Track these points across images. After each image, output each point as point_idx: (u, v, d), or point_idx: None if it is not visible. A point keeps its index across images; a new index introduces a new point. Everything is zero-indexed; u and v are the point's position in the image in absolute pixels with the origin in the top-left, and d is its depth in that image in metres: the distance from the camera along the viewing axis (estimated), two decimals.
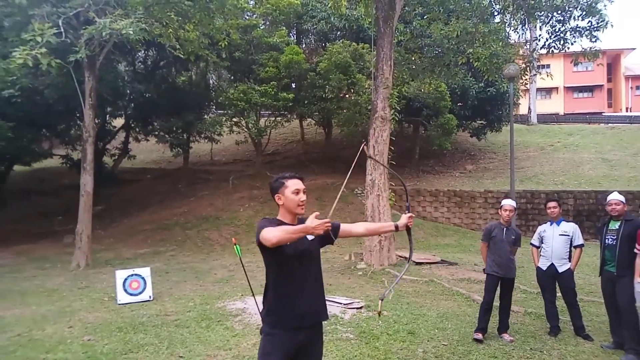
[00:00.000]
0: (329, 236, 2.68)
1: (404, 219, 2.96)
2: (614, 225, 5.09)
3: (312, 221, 2.32)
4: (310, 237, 2.62)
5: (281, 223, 2.63)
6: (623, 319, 4.85)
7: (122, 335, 5.61)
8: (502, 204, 5.59)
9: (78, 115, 17.25)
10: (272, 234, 2.43)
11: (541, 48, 11.49)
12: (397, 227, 2.94)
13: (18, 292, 8.38)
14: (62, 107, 15.74)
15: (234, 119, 18.47)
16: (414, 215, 3.01)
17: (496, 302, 5.51)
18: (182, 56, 12.37)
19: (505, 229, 5.47)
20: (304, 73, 17.52)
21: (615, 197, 5.12)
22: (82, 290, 8.44)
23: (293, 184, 2.65)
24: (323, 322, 2.81)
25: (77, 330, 5.89)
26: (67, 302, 7.48)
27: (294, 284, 2.61)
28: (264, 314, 2.67)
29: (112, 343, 5.32)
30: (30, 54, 8.56)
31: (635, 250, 4.71)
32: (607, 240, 5.12)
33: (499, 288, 5.47)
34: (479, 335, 5.27)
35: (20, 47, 8.70)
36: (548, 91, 40.59)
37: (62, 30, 9.60)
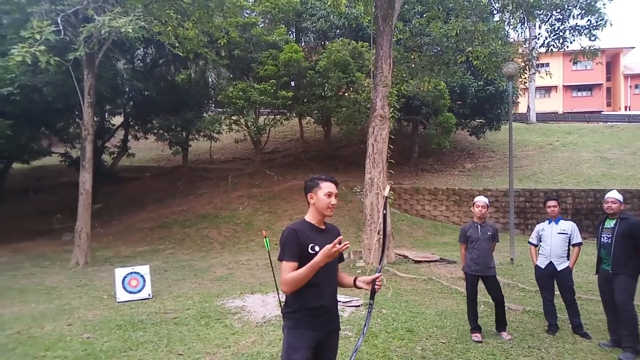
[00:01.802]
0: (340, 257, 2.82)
1: (368, 278, 2.77)
2: (610, 223, 5.08)
3: (324, 250, 2.47)
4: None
5: (309, 225, 2.68)
6: (620, 317, 4.87)
7: (122, 332, 5.63)
8: (474, 200, 5.60)
9: (77, 113, 17.24)
10: (286, 286, 2.56)
11: (540, 47, 11.49)
12: (354, 281, 2.85)
13: (17, 289, 8.40)
14: (61, 105, 15.72)
15: (233, 117, 18.45)
16: (382, 279, 2.71)
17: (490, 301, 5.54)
18: (181, 54, 12.39)
19: (479, 226, 5.47)
20: (303, 71, 17.51)
21: (612, 195, 5.10)
22: (81, 288, 8.45)
23: (327, 187, 2.72)
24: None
25: (77, 327, 5.90)
26: (66, 299, 7.50)
27: (319, 282, 2.66)
28: (289, 312, 2.71)
29: (111, 341, 5.34)
30: (29, 52, 8.57)
31: None
32: (602, 238, 5.11)
33: (483, 286, 5.48)
34: (477, 336, 5.29)
35: (19, 44, 8.71)
36: (547, 90, 40.64)
37: (61, 28, 9.61)
